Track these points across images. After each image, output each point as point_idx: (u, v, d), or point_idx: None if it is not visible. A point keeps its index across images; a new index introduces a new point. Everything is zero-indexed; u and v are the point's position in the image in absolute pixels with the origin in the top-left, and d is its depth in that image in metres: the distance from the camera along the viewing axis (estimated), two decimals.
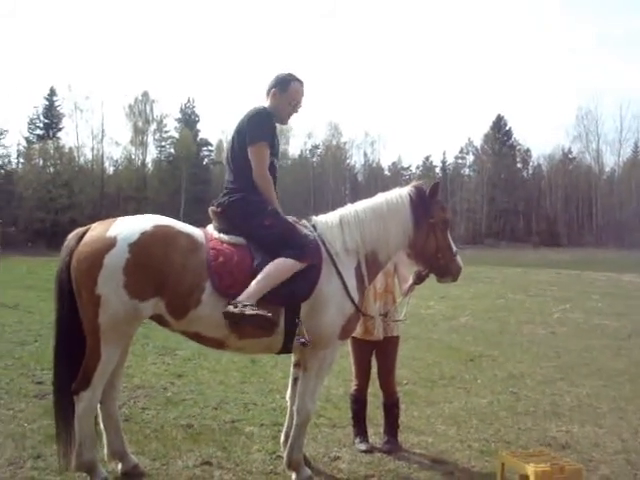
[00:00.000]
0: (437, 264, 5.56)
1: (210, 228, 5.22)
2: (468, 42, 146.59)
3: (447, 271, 5.59)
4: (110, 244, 4.71)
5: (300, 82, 5.45)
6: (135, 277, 4.67)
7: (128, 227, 4.82)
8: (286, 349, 5.17)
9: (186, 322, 4.87)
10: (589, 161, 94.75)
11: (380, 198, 5.54)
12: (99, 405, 5.05)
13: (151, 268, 4.69)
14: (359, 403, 6.43)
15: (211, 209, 5.32)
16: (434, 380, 9.28)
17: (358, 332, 6.19)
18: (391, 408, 6.43)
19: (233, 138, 5.38)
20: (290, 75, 5.43)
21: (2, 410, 6.87)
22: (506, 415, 7.52)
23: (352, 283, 5.21)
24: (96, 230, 4.89)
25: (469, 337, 13.54)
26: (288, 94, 5.37)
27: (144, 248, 4.71)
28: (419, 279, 5.91)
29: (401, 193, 5.52)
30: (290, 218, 5.34)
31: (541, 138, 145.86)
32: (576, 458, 5.74)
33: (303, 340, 5.00)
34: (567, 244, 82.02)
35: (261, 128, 5.23)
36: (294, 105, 5.46)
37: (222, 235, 5.08)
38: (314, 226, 5.38)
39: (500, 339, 13.41)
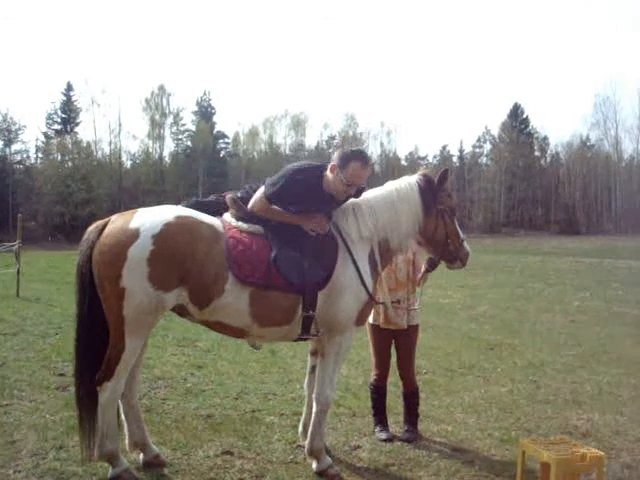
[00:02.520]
0: (447, 250, 5.62)
1: (227, 217, 5.23)
2: (484, 30, 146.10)
3: (456, 257, 5.65)
4: (133, 236, 4.73)
5: (362, 162, 5.15)
6: (159, 268, 4.70)
7: (150, 219, 4.84)
8: (303, 336, 5.23)
9: (209, 311, 4.91)
10: (608, 148, 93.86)
11: (390, 186, 5.60)
12: (120, 396, 5.09)
13: (175, 259, 4.72)
14: (379, 392, 6.44)
15: (229, 197, 5.33)
16: (453, 369, 9.27)
17: (380, 321, 6.22)
18: (411, 397, 6.44)
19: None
20: (354, 153, 5.19)
21: (24, 402, 6.94)
22: (526, 404, 7.52)
23: (366, 270, 5.28)
24: (117, 222, 4.91)
25: (488, 326, 13.51)
26: (345, 174, 5.08)
27: (168, 239, 4.74)
28: (431, 266, 5.99)
29: (410, 181, 5.57)
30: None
31: (559, 126, 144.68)
32: (597, 446, 5.71)
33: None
34: (586, 232, 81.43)
35: (275, 185, 5.11)
36: (349, 186, 5.15)
37: (241, 223, 5.12)
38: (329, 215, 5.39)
39: (519, 328, 13.37)
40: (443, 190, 5.56)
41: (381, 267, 5.50)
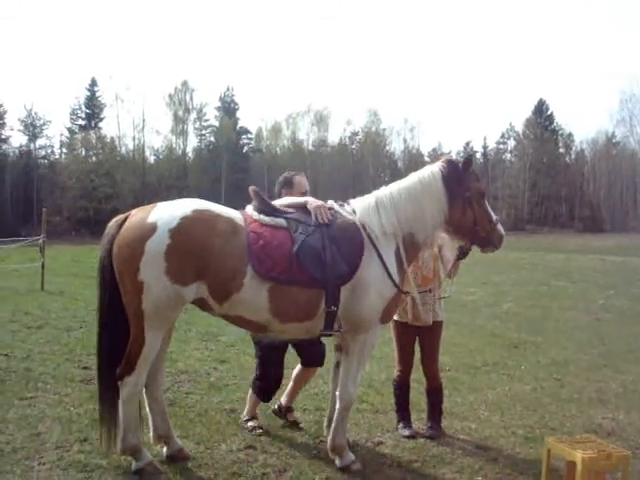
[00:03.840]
0: (478, 236, 5.49)
1: (249, 209, 5.23)
2: (509, 25, 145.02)
3: (489, 242, 5.52)
4: (151, 230, 4.74)
5: (300, 174, 6.30)
6: (176, 262, 4.70)
7: (168, 213, 4.85)
8: (326, 332, 5.20)
9: (228, 306, 4.90)
10: (633, 145, 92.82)
11: (413, 178, 5.49)
12: (144, 390, 5.13)
13: (192, 253, 4.73)
14: (402, 389, 6.41)
15: (252, 188, 5.36)
16: (477, 366, 9.23)
17: (408, 318, 6.19)
18: (434, 394, 6.40)
19: None
20: (290, 174, 6.27)
21: (49, 395, 6.99)
22: (550, 402, 7.46)
23: (393, 266, 5.21)
24: (136, 217, 4.93)
25: (512, 324, 13.42)
26: (295, 189, 6.08)
27: (184, 233, 4.74)
28: (462, 254, 5.80)
29: (432, 170, 5.45)
30: (332, 202, 5.39)
31: (584, 122, 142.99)
32: (622, 445, 5.66)
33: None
34: (611, 230, 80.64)
35: None
36: (304, 193, 6.04)
37: (262, 216, 5.10)
38: (354, 210, 5.38)
39: (543, 326, 13.28)
40: (469, 175, 5.43)
41: (407, 263, 5.39)
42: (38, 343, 9.77)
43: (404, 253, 5.32)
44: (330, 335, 5.34)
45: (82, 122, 78.05)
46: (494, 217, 5.51)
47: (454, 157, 5.67)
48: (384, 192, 5.45)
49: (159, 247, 4.71)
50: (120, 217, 5.08)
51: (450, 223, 5.47)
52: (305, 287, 4.94)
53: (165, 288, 4.72)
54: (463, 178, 5.39)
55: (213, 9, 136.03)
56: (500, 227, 5.54)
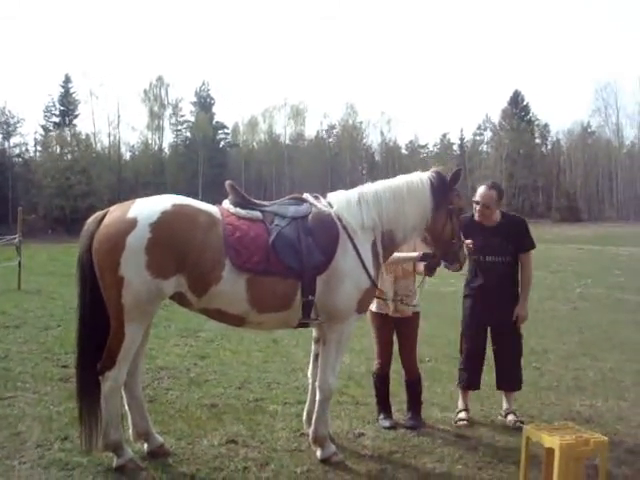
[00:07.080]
0: (452, 249, 5.70)
1: (226, 203, 5.28)
2: (484, 17, 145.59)
3: (457, 257, 5.75)
4: (131, 225, 4.75)
5: (484, 185, 6.71)
6: (157, 256, 4.71)
7: (148, 207, 4.87)
8: (303, 323, 5.27)
9: (207, 299, 4.92)
10: (609, 135, 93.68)
11: (401, 180, 5.63)
12: (123, 387, 5.10)
13: (172, 246, 4.74)
14: (382, 380, 6.44)
15: (228, 183, 5.40)
16: (456, 357, 9.18)
17: (389, 310, 6.25)
18: (414, 385, 6.45)
19: None
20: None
21: (28, 394, 6.94)
22: (529, 390, 7.50)
23: (368, 258, 5.28)
24: (116, 212, 4.93)
25: None
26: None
27: (165, 227, 4.76)
28: (430, 271, 6.02)
29: (422, 177, 5.60)
30: (308, 195, 5.43)
31: (560, 113, 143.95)
32: (600, 432, 5.67)
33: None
34: (588, 219, 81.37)
35: None
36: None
37: (239, 209, 5.17)
38: (330, 203, 5.42)
39: None
40: (454, 189, 5.63)
41: (383, 258, 5.53)
42: (16, 342, 9.71)
43: (381, 249, 5.45)
44: (308, 325, 5.40)
45: (56, 119, 77.37)
46: (462, 237, 5.82)
47: (442, 167, 5.80)
48: (369, 189, 5.57)
49: (140, 241, 4.72)
50: (99, 214, 5.08)
51: (431, 232, 5.66)
52: (282, 277, 5.00)
53: (146, 282, 4.73)
54: (449, 190, 5.59)
55: (187, 3, 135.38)
56: (465, 247, 5.87)
